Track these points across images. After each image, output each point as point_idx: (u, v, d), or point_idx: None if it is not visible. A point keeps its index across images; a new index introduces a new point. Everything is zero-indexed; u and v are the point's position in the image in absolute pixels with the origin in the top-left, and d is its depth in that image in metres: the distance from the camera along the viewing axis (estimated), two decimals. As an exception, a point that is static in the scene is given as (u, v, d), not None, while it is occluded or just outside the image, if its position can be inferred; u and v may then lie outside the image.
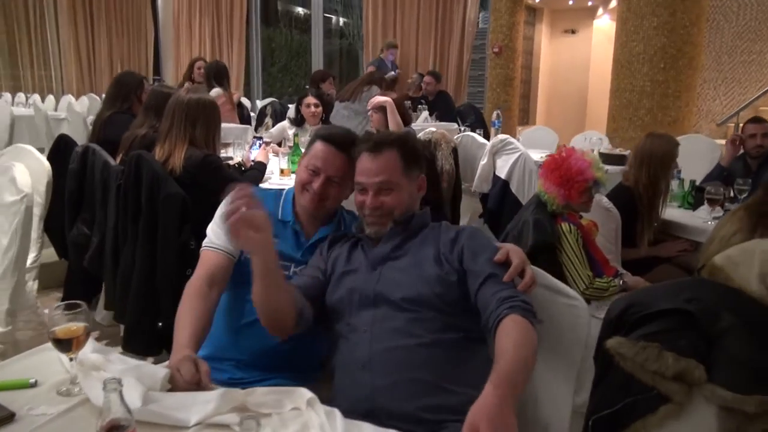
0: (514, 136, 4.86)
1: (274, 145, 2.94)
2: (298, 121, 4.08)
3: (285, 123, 4.24)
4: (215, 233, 1.52)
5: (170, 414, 1.00)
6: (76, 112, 5.29)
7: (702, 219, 2.84)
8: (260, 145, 2.96)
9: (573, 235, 2.37)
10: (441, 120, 5.76)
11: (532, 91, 8.14)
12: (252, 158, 2.84)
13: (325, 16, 10.34)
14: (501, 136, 3.76)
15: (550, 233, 2.38)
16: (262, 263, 1.25)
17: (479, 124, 5.78)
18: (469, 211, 4.31)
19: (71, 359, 1.10)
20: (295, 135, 3.40)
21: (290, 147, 3.35)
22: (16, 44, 8.28)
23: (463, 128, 5.30)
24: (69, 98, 6.91)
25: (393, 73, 6.87)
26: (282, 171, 2.76)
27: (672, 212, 3.10)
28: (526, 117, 7.93)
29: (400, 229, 1.42)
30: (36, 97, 7.46)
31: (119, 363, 1.17)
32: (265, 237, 1.21)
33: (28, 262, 2.39)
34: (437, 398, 1.24)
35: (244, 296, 1.49)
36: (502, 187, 3.63)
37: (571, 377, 1.40)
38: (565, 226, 2.39)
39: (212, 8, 9.55)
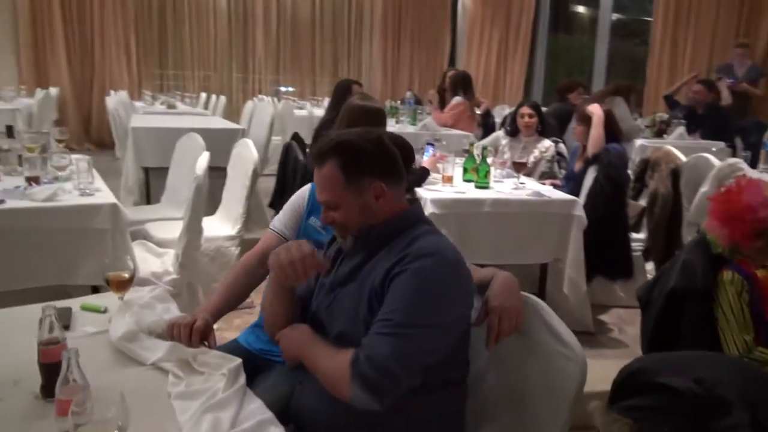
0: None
1: (442, 153, 3.04)
2: (513, 132, 4.05)
3: (500, 132, 4.25)
4: (278, 218, 1.78)
5: (138, 351, 1.29)
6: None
7: None
8: (432, 151, 3.10)
9: (735, 287, 1.92)
10: (707, 138, 4.91)
11: None
12: (422, 163, 3.00)
13: (643, 20, 9.74)
14: (731, 160, 3.09)
15: (701, 279, 1.96)
16: (280, 286, 1.30)
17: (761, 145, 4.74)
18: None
19: (120, 298, 1.49)
20: (470, 144, 3.40)
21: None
22: (338, 57, 10.04)
23: (725, 148, 4.44)
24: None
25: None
26: (443, 177, 2.86)
27: None
28: None
29: (361, 245, 1.30)
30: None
31: (161, 310, 1.51)
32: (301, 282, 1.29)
33: (233, 231, 3.06)
34: None
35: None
36: (722, 221, 2.99)
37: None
38: (727, 274, 1.95)
39: (503, 18, 9.87)
